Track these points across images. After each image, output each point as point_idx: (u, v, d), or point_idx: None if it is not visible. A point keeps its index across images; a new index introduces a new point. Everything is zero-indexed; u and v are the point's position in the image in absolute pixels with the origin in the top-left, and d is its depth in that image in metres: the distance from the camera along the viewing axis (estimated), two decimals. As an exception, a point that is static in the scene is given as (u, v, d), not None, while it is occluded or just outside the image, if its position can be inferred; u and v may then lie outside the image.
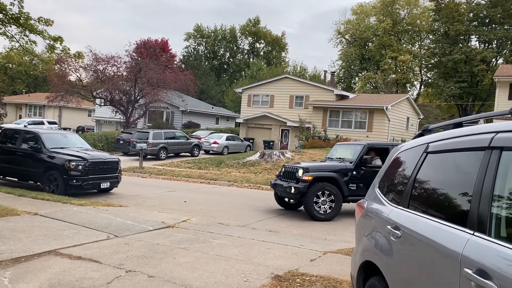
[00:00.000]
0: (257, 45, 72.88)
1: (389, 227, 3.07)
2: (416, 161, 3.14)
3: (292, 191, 10.11)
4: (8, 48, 16.45)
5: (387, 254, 3.04)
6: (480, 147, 2.32)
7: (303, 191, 9.92)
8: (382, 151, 10.88)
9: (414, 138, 3.59)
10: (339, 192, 10.09)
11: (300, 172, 10.22)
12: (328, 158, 11.91)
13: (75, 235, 6.98)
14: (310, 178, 9.98)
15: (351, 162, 10.55)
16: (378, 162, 10.78)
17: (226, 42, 71.05)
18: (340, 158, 11.21)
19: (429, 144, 3.02)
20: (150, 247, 6.53)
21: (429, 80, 51.78)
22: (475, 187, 2.25)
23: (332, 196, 10.02)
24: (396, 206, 3.23)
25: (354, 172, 10.35)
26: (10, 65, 69.50)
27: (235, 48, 72.35)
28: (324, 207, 10.01)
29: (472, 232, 2.16)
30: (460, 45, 44.74)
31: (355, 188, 10.31)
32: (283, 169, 11.22)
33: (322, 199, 9.99)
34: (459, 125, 2.92)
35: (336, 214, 10.13)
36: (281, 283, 5.14)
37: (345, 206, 11.82)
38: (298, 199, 10.42)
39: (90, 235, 7.12)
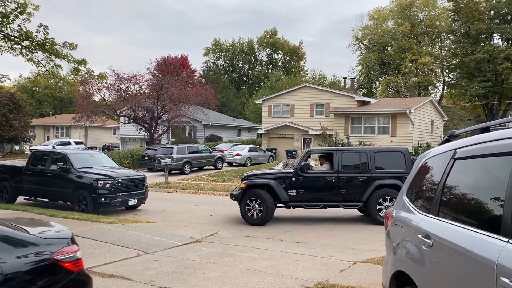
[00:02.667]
0: (275, 55, 73.29)
1: (419, 236, 3.02)
2: (444, 167, 3.10)
3: (233, 198, 10.92)
4: (35, 73, 17.01)
5: (419, 264, 2.99)
6: (510, 152, 2.28)
7: (238, 197, 10.69)
8: (327, 157, 11.23)
9: (441, 144, 3.55)
10: (270, 198, 10.47)
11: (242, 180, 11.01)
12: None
13: (106, 253, 7.11)
14: (243, 186, 10.72)
15: (294, 169, 10.85)
16: (325, 167, 11.05)
17: (244, 54, 71.71)
18: (293, 165, 11.78)
19: (457, 150, 2.98)
20: (179, 263, 6.58)
21: (452, 81, 50.75)
22: (507, 192, 2.20)
23: (262, 203, 10.46)
24: (425, 214, 3.19)
25: (293, 179, 10.66)
26: (37, 88, 71.93)
27: (253, 60, 72.94)
28: (254, 212, 10.52)
29: (506, 239, 2.11)
30: (482, 44, 43.79)
31: (295, 194, 10.63)
32: None
33: (253, 205, 10.53)
34: (486, 129, 2.87)
35: (266, 219, 10.50)
36: (312, 295, 5.10)
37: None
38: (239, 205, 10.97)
39: (121, 252, 7.24)
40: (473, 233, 2.40)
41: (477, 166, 2.69)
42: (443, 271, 2.63)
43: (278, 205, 10.77)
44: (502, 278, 1.99)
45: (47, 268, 3.21)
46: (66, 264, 3.35)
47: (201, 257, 6.99)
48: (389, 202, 10.26)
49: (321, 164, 11.41)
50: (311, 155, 11.66)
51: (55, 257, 3.30)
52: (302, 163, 10.75)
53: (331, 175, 10.58)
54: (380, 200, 10.32)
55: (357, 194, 10.48)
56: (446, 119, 34.55)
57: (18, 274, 2.96)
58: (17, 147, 46.71)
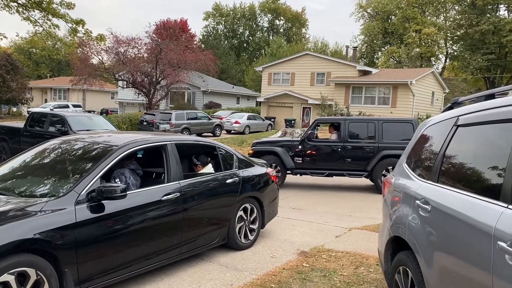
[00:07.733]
0: (277, 22, 71.94)
1: (418, 201, 3.04)
2: (445, 134, 3.08)
3: None
4: (32, 33, 16.71)
5: (416, 229, 3.02)
6: (514, 118, 2.26)
7: None
8: (336, 126, 11.27)
9: (443, 111, 3.51)
10: (282, 164, 10.77)
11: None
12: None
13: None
14: (251, 151, 11.09)
15: (301, 137, 11.07)
16: (333, 136, 11.11)
17: (245, 20, 70.35)
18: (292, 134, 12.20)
19: (459, 117, 2.95)
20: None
21: (455, 53, 50.14)
22: (509, 159, 2.19)
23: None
24: (425, 180, 3.19)
25: (300, 147, 10.84)
26: (34, 50, 70.81)
27: (254, 26, 71.62)
28: None
29: (506, 205, 2.11)
30: (488, 15, 43.02)
31: (301, 161, 10.83)
32: None
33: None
34: (491, 96, 2.83)
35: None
36: (307, 259, 5.19)
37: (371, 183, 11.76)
38: None
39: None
40: (473, 199, 2.41)
41: (480, 133, 2.67)
42: (440, 236, 2.66)
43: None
44: (499, 242, 2.01)
45: (266, 176, 6.06)
46: (271, 176, 6.17)
47: (198, 220, 7.06)
48: None
49: (330, 133, 11.47)
50: (319, 124, 11.81)
51: (267, 171, 6.15)
52: (309, 132, 10.87)
53: (337, 144, 10.67)
54: (386, 170, 10.36)
55: (363, 164, 10.56)
56: (447, 91, 34.37)
57: (258, 177, 5.87)
58: (14, 109, 46.44)
